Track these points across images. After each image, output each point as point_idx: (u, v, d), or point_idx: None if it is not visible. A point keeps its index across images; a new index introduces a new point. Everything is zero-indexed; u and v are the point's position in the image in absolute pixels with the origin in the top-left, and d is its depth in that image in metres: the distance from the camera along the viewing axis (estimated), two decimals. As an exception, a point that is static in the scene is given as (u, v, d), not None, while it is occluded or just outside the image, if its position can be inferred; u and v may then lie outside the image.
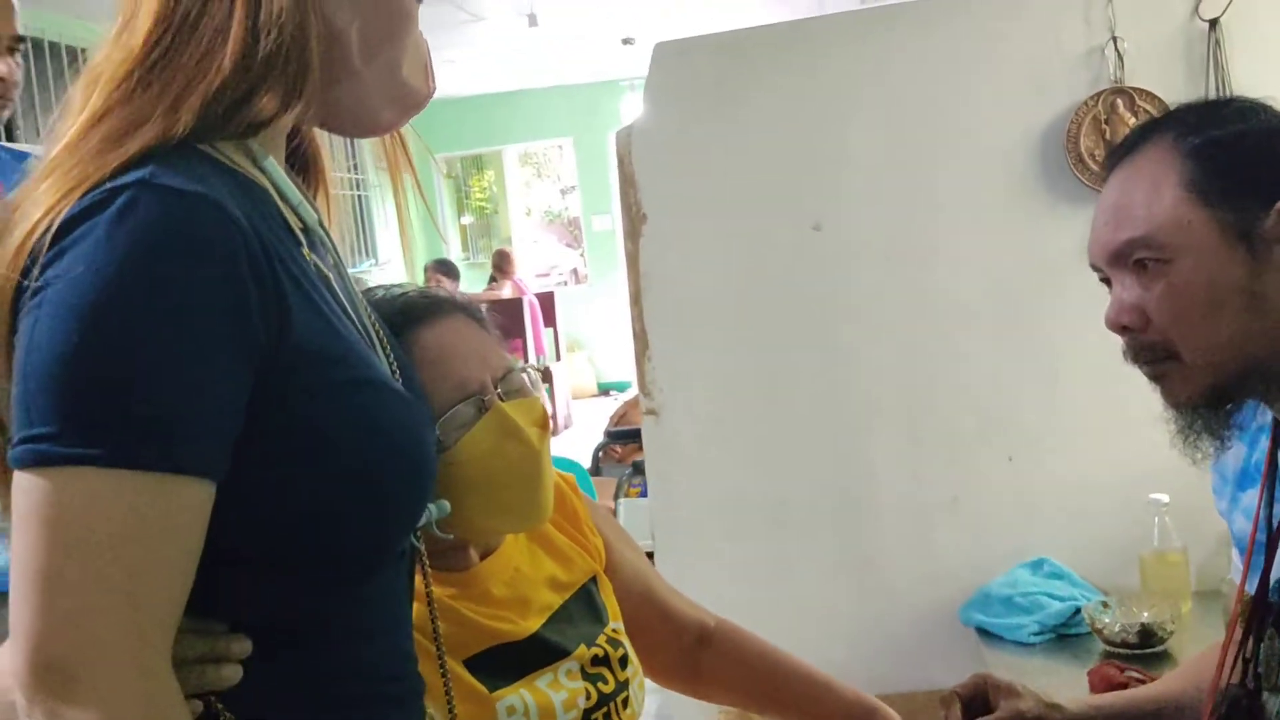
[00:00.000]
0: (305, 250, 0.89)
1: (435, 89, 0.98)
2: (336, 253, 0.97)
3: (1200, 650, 1.49)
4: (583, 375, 10.07)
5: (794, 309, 2.38)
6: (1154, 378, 1.13)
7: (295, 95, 0.85)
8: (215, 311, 0.76)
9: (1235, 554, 1.45)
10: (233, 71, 0.82)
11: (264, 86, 0.83)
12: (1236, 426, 1.15)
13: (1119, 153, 1.14)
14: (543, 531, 1.36)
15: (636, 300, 2.44)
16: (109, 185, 0.77)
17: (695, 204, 2.39)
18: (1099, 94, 2.24)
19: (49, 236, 0.76)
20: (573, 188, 11.38)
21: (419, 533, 1.03)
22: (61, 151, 0.81)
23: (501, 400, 1.21)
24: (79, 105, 0.83)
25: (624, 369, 9.10)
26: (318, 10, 0.86)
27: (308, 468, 0.82)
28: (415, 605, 1.05)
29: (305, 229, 0.91)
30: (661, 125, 2.40)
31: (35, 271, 0.76)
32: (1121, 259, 1.11)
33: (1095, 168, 2.23)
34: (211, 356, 0.76)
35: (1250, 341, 1.08)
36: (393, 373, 0.97)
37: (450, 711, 1.08)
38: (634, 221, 2.42)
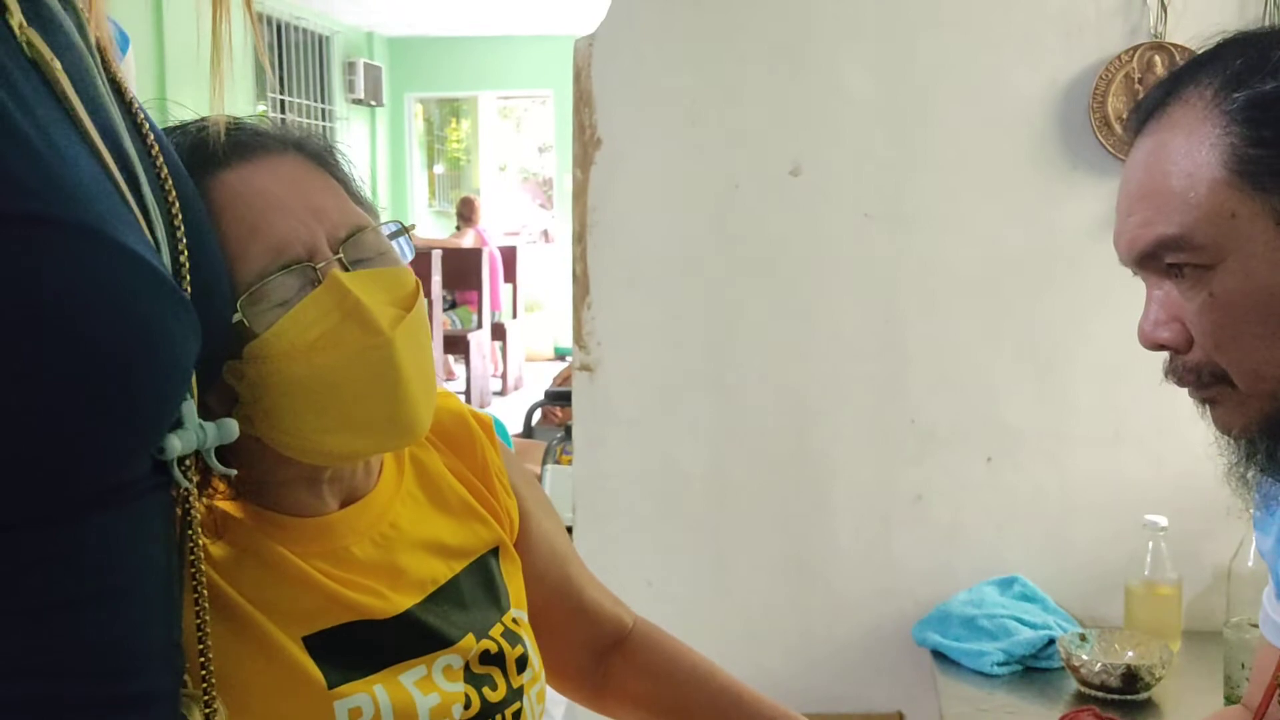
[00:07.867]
0: (15, 21, 0.59)
1: None
2: (87, 40, 0.66)
3: (1222, 710, 1.20)
4: (539, 338, 9.74)
5: (759, 263, 2.06)
6: (1201, 402, 0.90)
7: None
8: None
9: (1270, 598, 1.17)
10: None
11: None
12: None
13: (1144, 111, 0.89)
14: (437, 479, 1.03)
15: (580, 238, 2.12)
16: None
17: (658, 132, 2.07)
18: (1135, 48, 1.93)
19: None
20: (550, 146, 11.02)
21: (186, 464, 0.71)
22: None
23: (346, 271, 0.88)
24: None
25: (583, 335, 8.78)
26: None
27: None
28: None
29: None
30: (629, 38, 2.06)
31: None
32: (1152, 261, 0.86)
33: (1122, 133, 1.93)
34: None
35: None
36: (151, 231, 0.68)
37: (207, 706, 0.74)
38: (586, 146, 2.09)
